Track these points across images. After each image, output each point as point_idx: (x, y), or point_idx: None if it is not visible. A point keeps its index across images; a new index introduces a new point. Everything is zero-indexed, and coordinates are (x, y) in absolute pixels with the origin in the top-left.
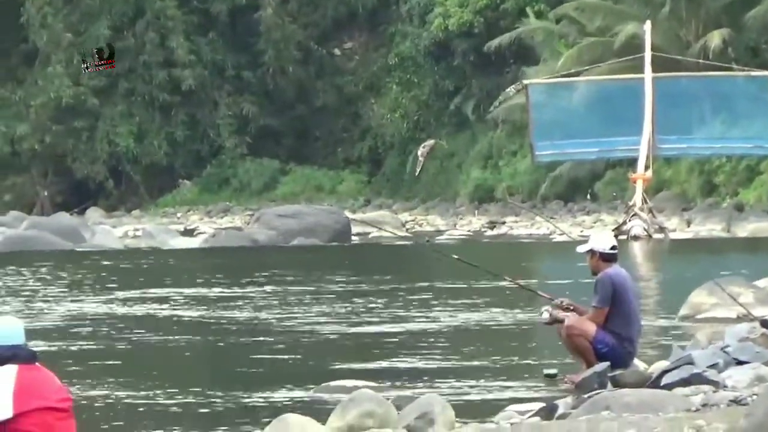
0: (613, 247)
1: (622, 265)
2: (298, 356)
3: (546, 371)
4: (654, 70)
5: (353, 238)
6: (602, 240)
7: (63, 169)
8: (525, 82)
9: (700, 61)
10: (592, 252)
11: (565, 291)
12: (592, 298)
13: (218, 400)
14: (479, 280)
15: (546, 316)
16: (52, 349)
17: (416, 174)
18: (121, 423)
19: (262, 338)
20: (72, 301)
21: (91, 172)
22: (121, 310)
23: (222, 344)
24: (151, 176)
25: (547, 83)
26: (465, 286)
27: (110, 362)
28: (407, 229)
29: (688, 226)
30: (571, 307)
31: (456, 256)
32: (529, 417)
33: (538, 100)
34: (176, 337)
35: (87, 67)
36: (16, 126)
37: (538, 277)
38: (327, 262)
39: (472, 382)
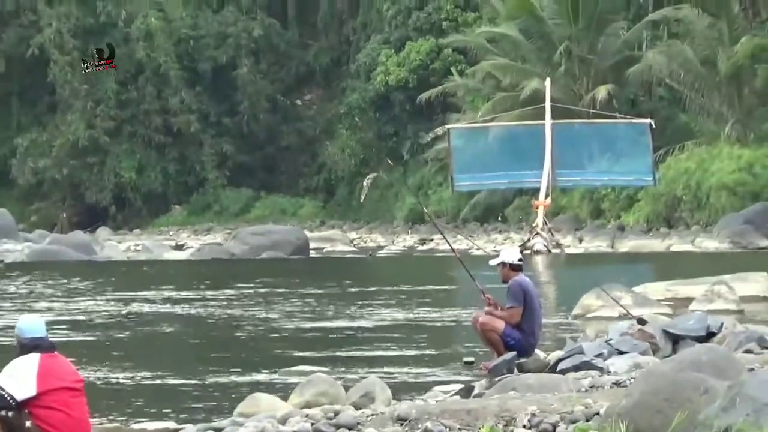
0: (519, 260)
1: (526, 275)
2: (267, 346)
3: (465, 359)
4: (553, 117)
5: (311, 252)
6: (511, 254)
7: (78, 196)
8: (447, 126)
9: (590, 110)
10: (503, 263)
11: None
12: (507, 301)
13: (200, 381)
14: (412, 285)
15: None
16: (71, 339)
17: (362, 200)
18: (121, 401)
19: (237, 332)
20: (85, 300)
21: (100, 198)
22: (125, 308)
23: (205, 335)
24: (149, 201)
25: (466, 128)
26: (402, 289)
27: (115, 351)
28: (354, 245)
29: (580, 243)
30: (491, 302)
31: (458, 256)
32: (451, 395)
33: (458, 141)
34: (169, 329)
35: (97, 114)
36: (41, 161)
37: (458, 283)
38: (290, 271)
39: (406, 368)
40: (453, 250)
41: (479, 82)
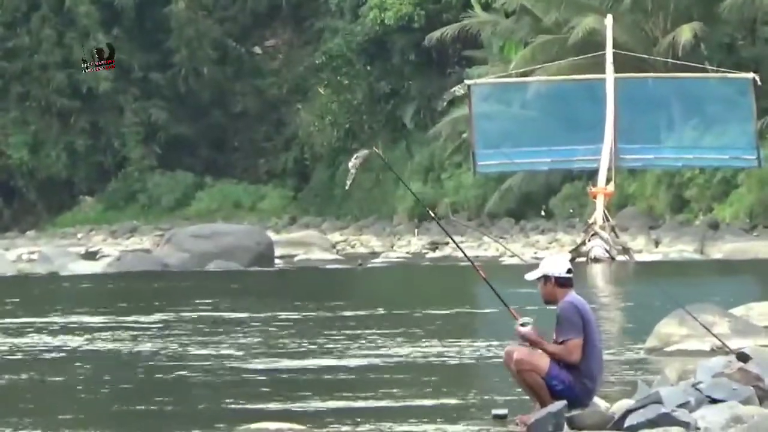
0: (569, 271)
1: (579, 292)
2: (215, 394)
3: (495, 411)
4: (617, 70)
5: (277, 261)
6: (556, 263)
7: None
8: (468, 82)
9: (669, 60)
10: (545, 278)
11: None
12: (556, 332)
13: None
14: (420, 307)
15: (528, 329)
16: None
17: (347, 188)
18: None
19: (173, 374)
20: None
21: None
22: (12, 341)
23: (127, 380)
24: (48, 192)
25: (494, 83)
26: (403, 314)
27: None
28: (338, 251)
29: (656, 247)
30: (532, 338)
31: (476, 266)
32: None
33: (482, 103)
34: (77, 371)
35: None
36: None
37: (483, 306)
38: (248, 288)
39: (414, 425)
40: (467, 257)
41: (512, 21)
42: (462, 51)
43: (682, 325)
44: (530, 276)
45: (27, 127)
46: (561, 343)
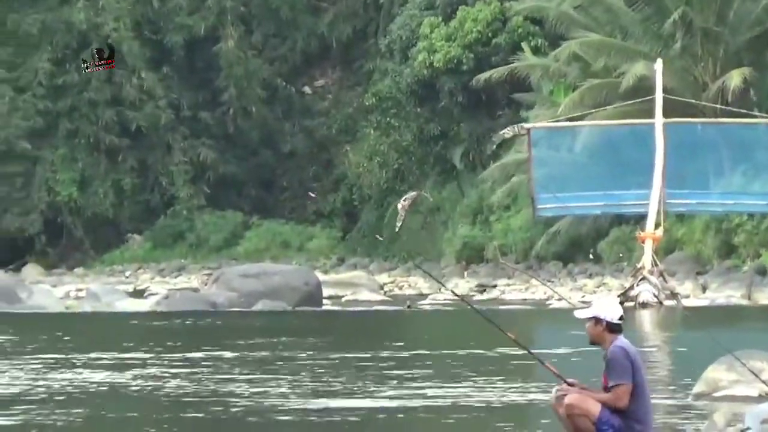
0: (620, 317)
1: (626, 336)
2: None
3: None
4: (666, 115)
5: (325, 301)
6: (610, 308)
7: None
8: (527, 125)
9: (718, 105)
10: (596, 319)
11: (567, 364)
12: (605, 376)
13: None
14: (467, 348)
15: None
16: None
17: (396, 230)
18: None
19: (218, 411)
20: (4, 368)
21: (25, 225)
22: (61, 378)
23: (176, 419)
24: (95, 229)
25: (551, 127)
26: (451, 353)
27: None
28: (385, 292)
29: (704, 292)
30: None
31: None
32: None
33: (540, 147)
34: (121, 409)
35: (18, 108)
36: None
37: (532, 348)
38: (296, 328)
39: None
40: (477, 310)
41: (563, 64)
42: (510, 93)
43: (731, 371)
44: (581, 314)
45: (75, 164)
46: (610, 387)
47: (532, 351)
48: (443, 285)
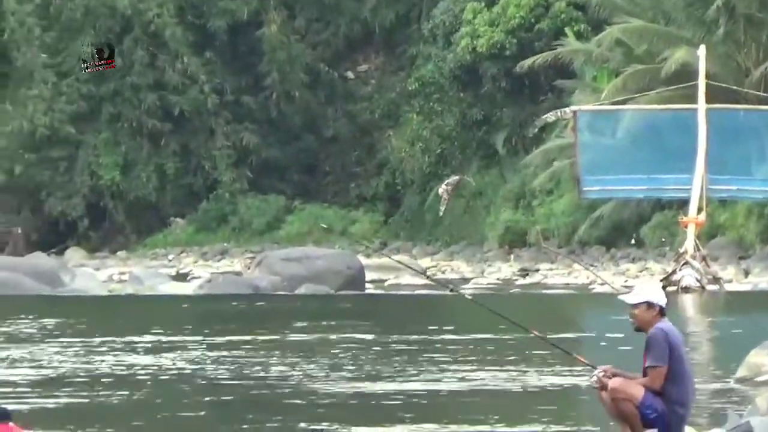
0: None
1: (670, 320)
2: (304, 418)
3: None
4: (708, 101)
5: (367, 285)
6: (657, 292)
7: (38, 204)
8: (573, 108)
9: (761, 93)
10: (648, 304)
11: (608, 349)
12: (645, 358)
13: None
14: (508, 333)
15: (595, 380)
16: (29, 404)
17: (439, 214)
18: None
19: (263, 396)
20: (50, 351)
21: (68, 208)
22: (105, 361)
23: (217, 402)
24: (137, 213)
25: (595, 110)
26: (493, 338)
27: (95, 423)
28: (428, 276)
29: (746, 277)
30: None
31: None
32: None
33: (587, 130)
34: (168, 393)
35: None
36: None
37: (575, 333)
38: (339, 311)
39: None
40: (489, 309)
41: (606, 49)
42: (553, 80)
43: None
44: (630, 299)
45: (118, 148)
46: (646, 368)
47: (560, 346)
48: (423, 272)
